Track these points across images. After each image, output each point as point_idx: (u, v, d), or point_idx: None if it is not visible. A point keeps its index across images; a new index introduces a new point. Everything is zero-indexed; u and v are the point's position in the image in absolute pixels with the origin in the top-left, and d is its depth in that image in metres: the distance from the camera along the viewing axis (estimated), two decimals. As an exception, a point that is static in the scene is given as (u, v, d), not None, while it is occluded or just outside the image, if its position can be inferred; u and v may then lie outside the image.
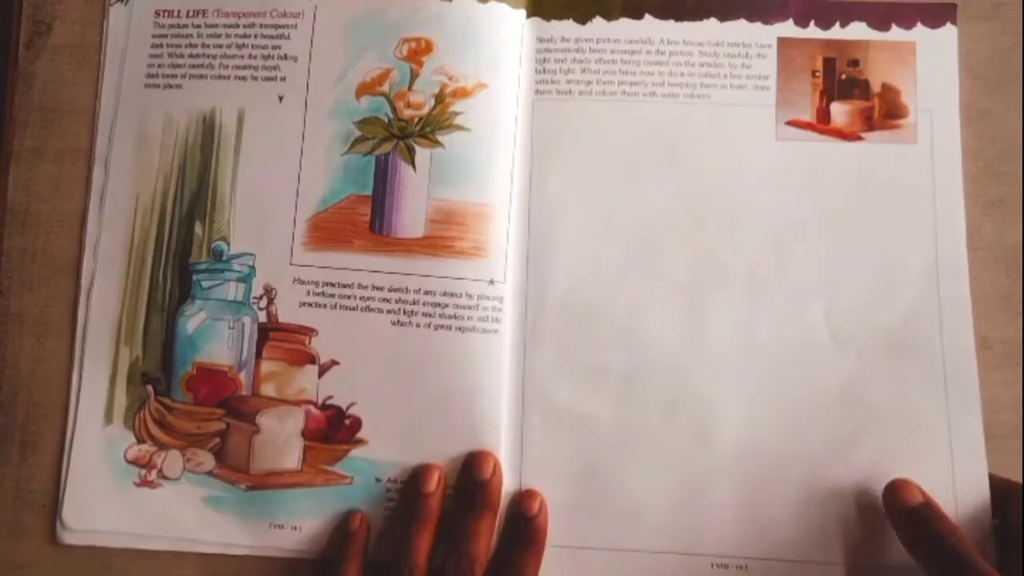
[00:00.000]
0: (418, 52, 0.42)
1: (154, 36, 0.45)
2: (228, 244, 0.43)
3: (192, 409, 0.42)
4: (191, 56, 0.44)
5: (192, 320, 0.42)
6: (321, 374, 0.42)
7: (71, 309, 0.43)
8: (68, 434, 0.42)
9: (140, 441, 0.42)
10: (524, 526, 0.39)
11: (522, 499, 0.40)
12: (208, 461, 0.42)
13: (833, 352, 0.41)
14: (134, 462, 0.42)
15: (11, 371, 0.43)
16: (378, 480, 0.41)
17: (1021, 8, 0.44)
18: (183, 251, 0.43)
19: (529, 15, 0.44)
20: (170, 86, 0.44)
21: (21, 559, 0.42)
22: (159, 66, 0.44)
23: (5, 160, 0.44)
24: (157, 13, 0.45)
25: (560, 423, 0.41)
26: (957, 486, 0.39)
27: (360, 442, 0.41)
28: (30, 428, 0.43)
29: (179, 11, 0.45)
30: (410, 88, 0.43)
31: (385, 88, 0.43)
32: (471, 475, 0.40)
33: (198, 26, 0.45)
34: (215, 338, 0.42)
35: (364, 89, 0.43)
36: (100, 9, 0.46)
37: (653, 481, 0.40)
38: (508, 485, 0.41)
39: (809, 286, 0.41)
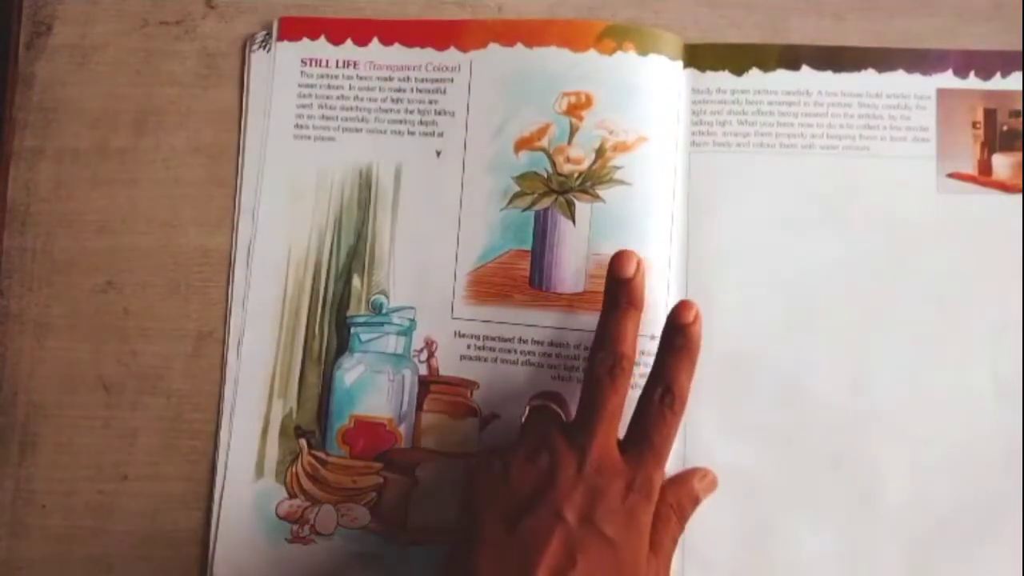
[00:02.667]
0: (578, 106, 0.42)
1: (301, 85, 0.45)
2: (387, 297, 0.43)
3: (348, 463, 0.42)
4: (343, 109, 0.44)
5: (350, 373, 0.42)
6: (483, 427, 0.41)
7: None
8: (218, 487, 0.42)
9: (292, 496, 0.42)
10: (678, 332, 0.37)
11: (678, 309, 0.37)
12: (363, 516, 0.41)
13: (998, 409, 0.40)
14: (286, 517, 0.42)
15: (11, 371, 0.43)
16: (538, 536, 0.40)
17: (1021, 8, 0.43)
18: (340, 304, 0.43)
19: (685, 66, 0.43)
20: (322, 138, 0.44)
21: (21, 559, 0.42)
22: (308, 117, 0.44)
23: (5, 160, 0.44)
24: (303, 62, 0.45)
25: (723, 481, 0.40)
26: None
27: (520, 498, 0.41)
28: (30, 428, 0.43)
29: (326, 60, 0.45)
30: (570, 143, 0.42)
31: (544, 143, 0.42)
32: (615, 275, 0.38)
33: (349, 78, 0.44)
34: (374, 391, 0.42)
35: (523, 144, 0.43)
36: (101, 10, 0.45)
37: (817, 540, 0.40)
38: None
39: (974, 342, 0.41)
